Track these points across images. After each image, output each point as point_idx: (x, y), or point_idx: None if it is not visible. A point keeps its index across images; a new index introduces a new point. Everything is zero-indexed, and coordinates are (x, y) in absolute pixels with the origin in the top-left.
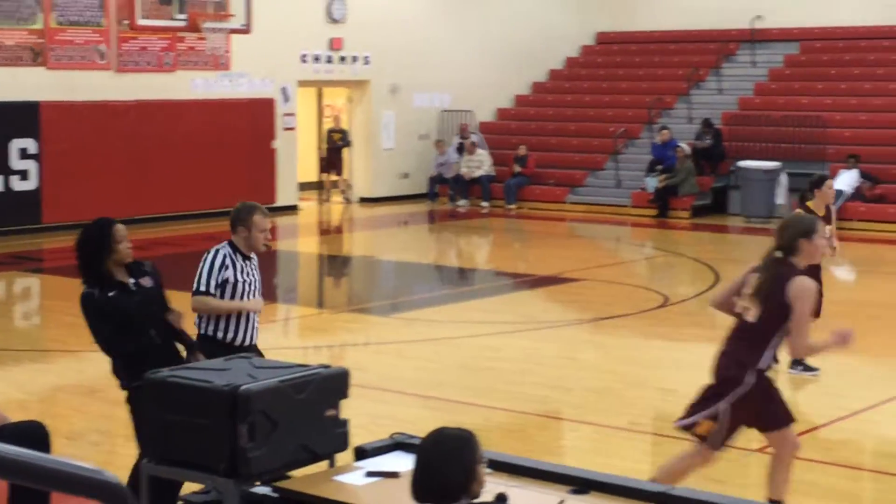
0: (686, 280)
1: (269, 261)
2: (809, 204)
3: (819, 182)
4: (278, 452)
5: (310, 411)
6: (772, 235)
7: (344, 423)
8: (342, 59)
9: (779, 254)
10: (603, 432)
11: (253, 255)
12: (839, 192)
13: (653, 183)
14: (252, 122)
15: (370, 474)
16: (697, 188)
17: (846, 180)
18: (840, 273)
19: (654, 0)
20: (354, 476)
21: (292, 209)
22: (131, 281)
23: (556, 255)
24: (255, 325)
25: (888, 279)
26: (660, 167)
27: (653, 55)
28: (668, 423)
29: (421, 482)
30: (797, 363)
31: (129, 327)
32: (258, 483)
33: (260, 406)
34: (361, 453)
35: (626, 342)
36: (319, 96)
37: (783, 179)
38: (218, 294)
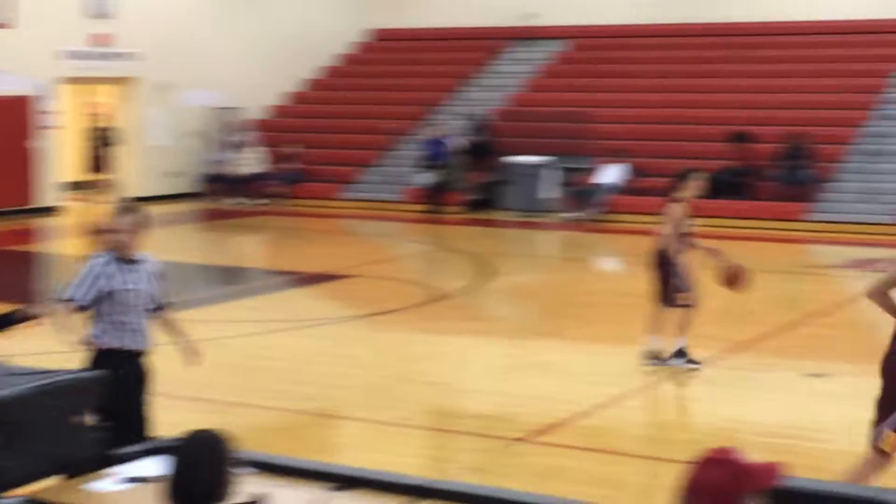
0: (457, 274)
1: (24, 264)
2: (683, 195)
3: (685, 176)
4: (25, 462)
5: (60, 418)
6: (539, 228)
7: (97, 430)
8: (109, 55)
9: None
10: (373, 428)
11: (143, 258)
12: (605, 185)
13: (425, 179)
14: (7, 120)
15: (123, 481)
16: (468, 183)
17: (613, 174)
18: (605, 264)
19: None
20: (106, 483)
21: (54, 210)
22: None
23: (328, 252)
24: (145, 329)
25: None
26: (431, 163)
27: (425, 52)
28: (437, 417)
29: (176, 486)
30: (681, 354)
31: None
32: (5, 494)
33: (5, 415)
34: (116, 459)
35: (397, 337)
36: (85, 93)
37: (547, 174)
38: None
